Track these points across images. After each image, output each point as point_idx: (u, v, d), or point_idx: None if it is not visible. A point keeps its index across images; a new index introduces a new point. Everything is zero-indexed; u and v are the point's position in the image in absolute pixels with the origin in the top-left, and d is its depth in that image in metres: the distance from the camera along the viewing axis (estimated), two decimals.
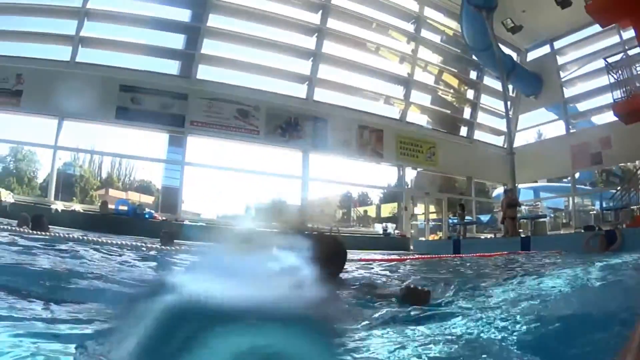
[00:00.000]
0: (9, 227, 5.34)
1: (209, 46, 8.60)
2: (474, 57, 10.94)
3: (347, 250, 2.19)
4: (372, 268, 4.25)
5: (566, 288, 2.23)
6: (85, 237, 5.46)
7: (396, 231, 9.46)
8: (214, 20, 8.74)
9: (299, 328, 0.51)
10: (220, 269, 0.56)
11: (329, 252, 2.25)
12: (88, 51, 8.92)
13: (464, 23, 10.58)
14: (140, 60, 8.60)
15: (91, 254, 4.71)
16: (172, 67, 8.65)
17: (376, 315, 1.45)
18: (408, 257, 5.69)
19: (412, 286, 1.76)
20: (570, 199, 11.66)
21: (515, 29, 11.75)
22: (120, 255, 4.65)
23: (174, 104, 8.32)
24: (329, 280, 2.18)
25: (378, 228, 9.57)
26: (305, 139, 8.64)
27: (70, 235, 5.23)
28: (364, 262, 4.54)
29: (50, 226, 6.70)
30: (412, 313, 1.50)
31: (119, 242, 5.21)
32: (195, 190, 8.52)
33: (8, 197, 8.79)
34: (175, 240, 7.87)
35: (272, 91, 8.68)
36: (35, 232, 5.00)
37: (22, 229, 5.58)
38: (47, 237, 5.00)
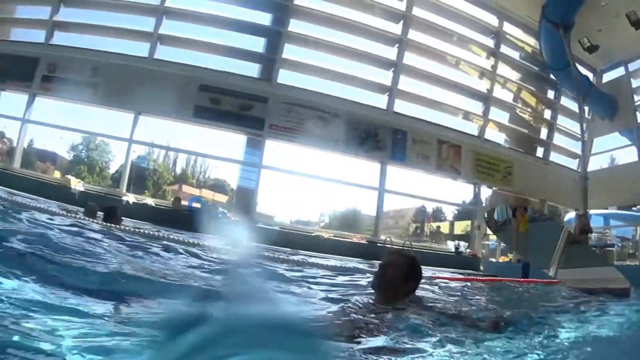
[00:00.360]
0: (78, 217, 5.28)
1: (290, 51, 8.54)
2: (552, 75, 10.57)
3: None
4: (440, 285, 4.18)
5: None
6: (159, 233, 5.35)
7: (467, 250, 9.15)
8: (295, 26, 8.70)
9: None
10: None
11: (407, 269, 2.20)
12: (167, 49, 9.04)
13: (542, 40, 10.25)
14: (221, 61, 8.58)
15: (162, 252, 4.55)
16: (252, 69, 8.61)
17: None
18: (477, 278, 5.63)
19: (501, 323, 1.84)
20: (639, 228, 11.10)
21: (592, 49, 11.30)
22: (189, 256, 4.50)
23: (253, 106, 8.26)
24: (406, 297, 2.10)
25: (450, 245, 9.28)
26: (383, 150, 8.44)
27: (143, 231, 5.11)
28: (435, 280, 4.42)
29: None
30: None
31: (193, 242, 5.09)
32: (271, 193, 8.42)
33: (78, 185, 8.87)
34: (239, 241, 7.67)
35: (352, 100, 8.52)
36: (107, 223, 4.92)
37: (89, 219, 5.52)
38: (119, 229, 4.89)
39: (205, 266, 3.69)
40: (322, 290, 3.60)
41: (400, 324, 1.76)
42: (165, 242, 4.96)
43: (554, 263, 4.70)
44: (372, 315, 1.96)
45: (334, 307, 2.28)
